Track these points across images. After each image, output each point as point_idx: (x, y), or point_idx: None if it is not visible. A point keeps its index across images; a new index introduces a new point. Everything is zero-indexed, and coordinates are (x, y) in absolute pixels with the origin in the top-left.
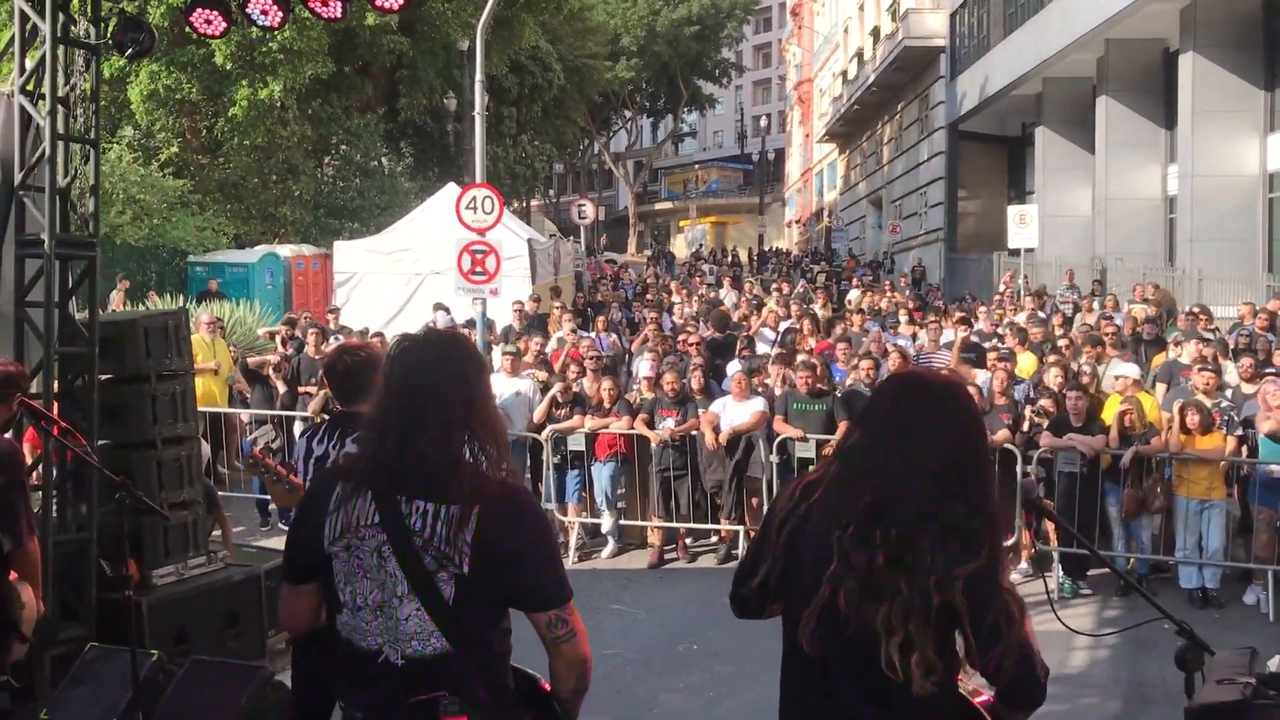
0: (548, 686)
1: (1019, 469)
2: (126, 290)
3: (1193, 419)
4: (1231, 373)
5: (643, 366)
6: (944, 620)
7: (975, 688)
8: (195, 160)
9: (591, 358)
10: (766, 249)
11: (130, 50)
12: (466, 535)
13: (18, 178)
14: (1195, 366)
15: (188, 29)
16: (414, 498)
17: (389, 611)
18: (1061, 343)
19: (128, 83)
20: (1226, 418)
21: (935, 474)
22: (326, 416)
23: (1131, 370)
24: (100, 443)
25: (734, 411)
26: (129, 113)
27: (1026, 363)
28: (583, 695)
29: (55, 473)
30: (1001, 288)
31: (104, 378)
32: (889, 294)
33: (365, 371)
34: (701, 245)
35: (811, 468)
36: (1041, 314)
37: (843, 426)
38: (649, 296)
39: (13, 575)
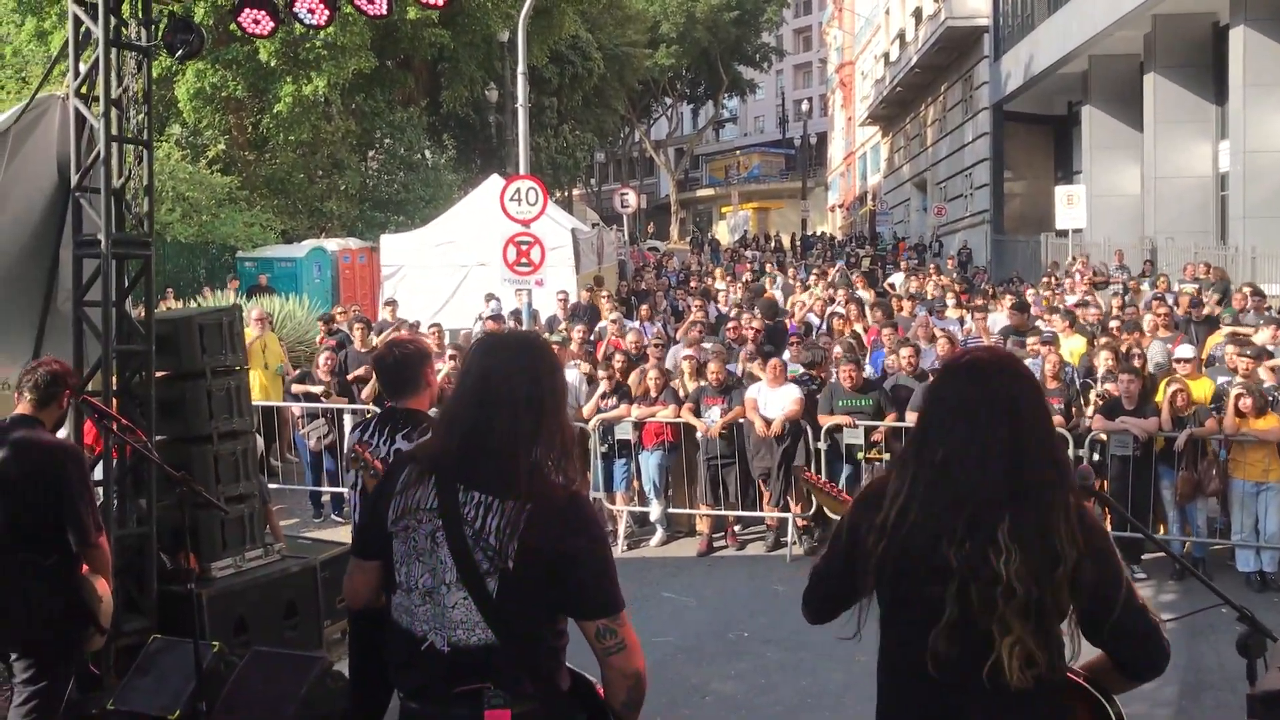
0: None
1: (1070, 454)
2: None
3: (1245, 403)
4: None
5: (682, 353)
6: (1051, 612)
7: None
8: (242, 156)
9: (657, 344)
10: (810, 234)
11: (180, 51)
12: (515, 532)
13: (74, 179)
14: (1232, 351)
15: (234, 28)
16: (472, 488)
17: (437, 598)
18: (1112, 324)
19: (175, 81)
20: (1272, 398)
21: (1006, 462)
22: (377, 410)
23: (1187, 352)
24: (158, 438)
25: (769, 398)
26: (176, 111)
27: (1075, 345)
28: (637, 710)
29: (115, 468)
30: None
31: (161, 374)
32: (934, 277)
33: (414, 365)
34: (746, 231)
35: (861, 454)
36: (1090, 297)
37: (892, 416)
38: (693, 284)
39: (85, 569)
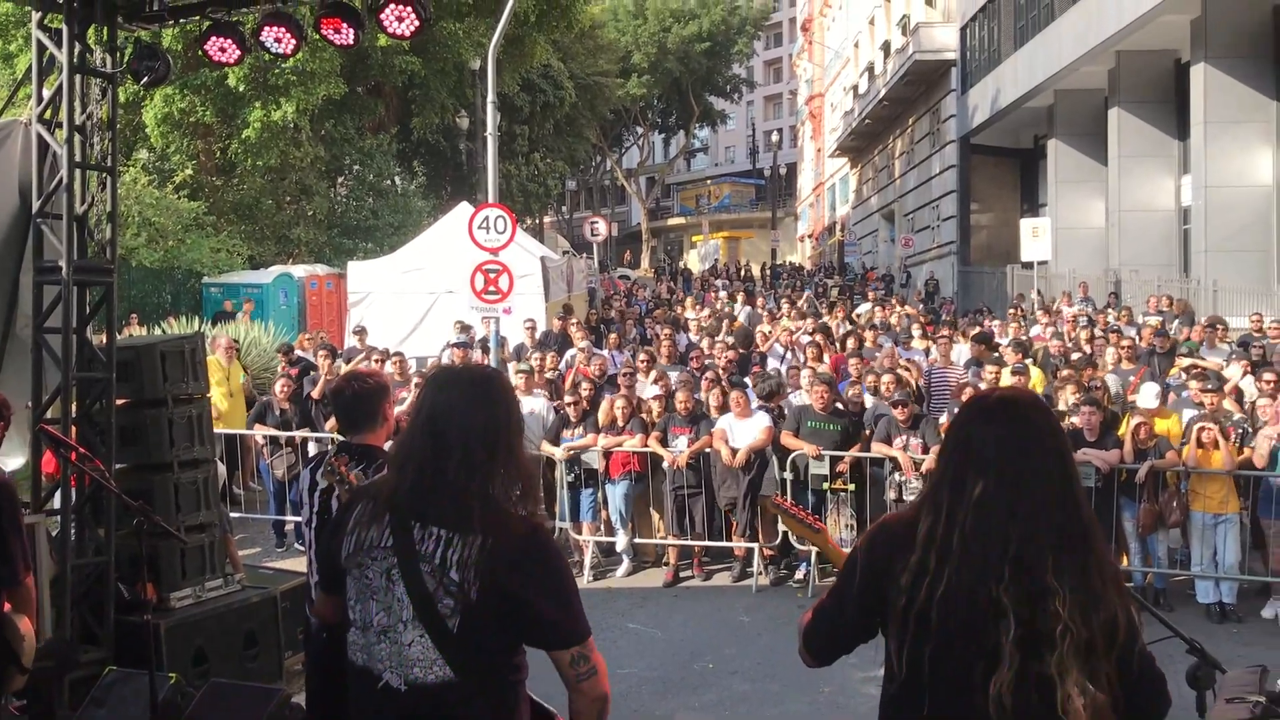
0: None
1: None
2: (137, 321)
3: (1208, 435)
4: (1248, 383)
5: (649, 389)
6: (1094, 652)
7: None
8: (209, 182)
9: (624, 374)
10: (779, 264)
11: (146, 78)
12: (478, 565)
13: (36, 205)
14: (1196, 387)
15: (201, 54)
16: (429, 524)
17: (394, 636)
18: (1075, 356)
19: (142, 106)
20: (1240, 431)
21: (1054, 504)
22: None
23: (1150, 399)
24: (118, 466)
25: (739, 429)
26: (143, 135)
27: (1034, 378)
28: None
29: (74, 497)
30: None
31: (122, 402)
32: (898, 308)
33: (372, 401)
34: (716, 260)
35: (826, 484)
36: (1054, 328)
37: (857, 447)
38: (659, 313)
39: (7, 606)
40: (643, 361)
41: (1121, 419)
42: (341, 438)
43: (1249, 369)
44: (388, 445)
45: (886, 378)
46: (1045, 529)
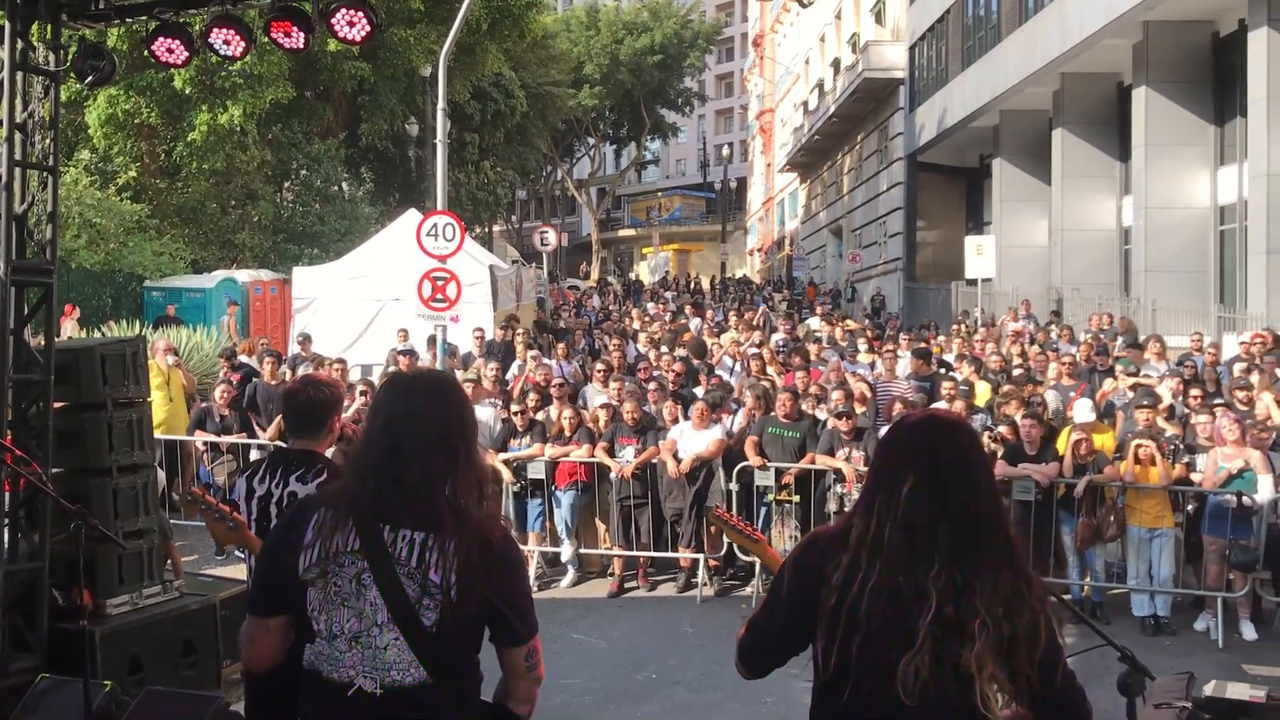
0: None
1: None
2: (78, 319)
3: (1144, 451)
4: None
5: (597, 397)
6: (1015, 652)
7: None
8: (153, 184)
9: (557, 385)
10: (729, 277)
11: (91, 77)
12: (458, 566)
13: None
14: (1133, 405)
15: (148, 55)
16: (401, 526)
17: (367, 641)
18: (1017, 372)
19: (85, 106)
20: (1173, 447)
21: (979, 513)
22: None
23: (1085, 413)
24: (55, 470)
25: (692, 439)
26: (86, 136)
27: (981, 391)
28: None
29: (8, 501)
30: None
31: (60, 405)
32: (841, 322)
33: (327, 410)
34: (667, 273)
35: (772, 495)
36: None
37: (809, 456)
38: (608, 324)
39: None
40: (600, 372)
41: (1059, 433)
42: (280, 444)
43: (1182, 387)
44: (328, 452)
45: (836, 393)
46: (970, 533)
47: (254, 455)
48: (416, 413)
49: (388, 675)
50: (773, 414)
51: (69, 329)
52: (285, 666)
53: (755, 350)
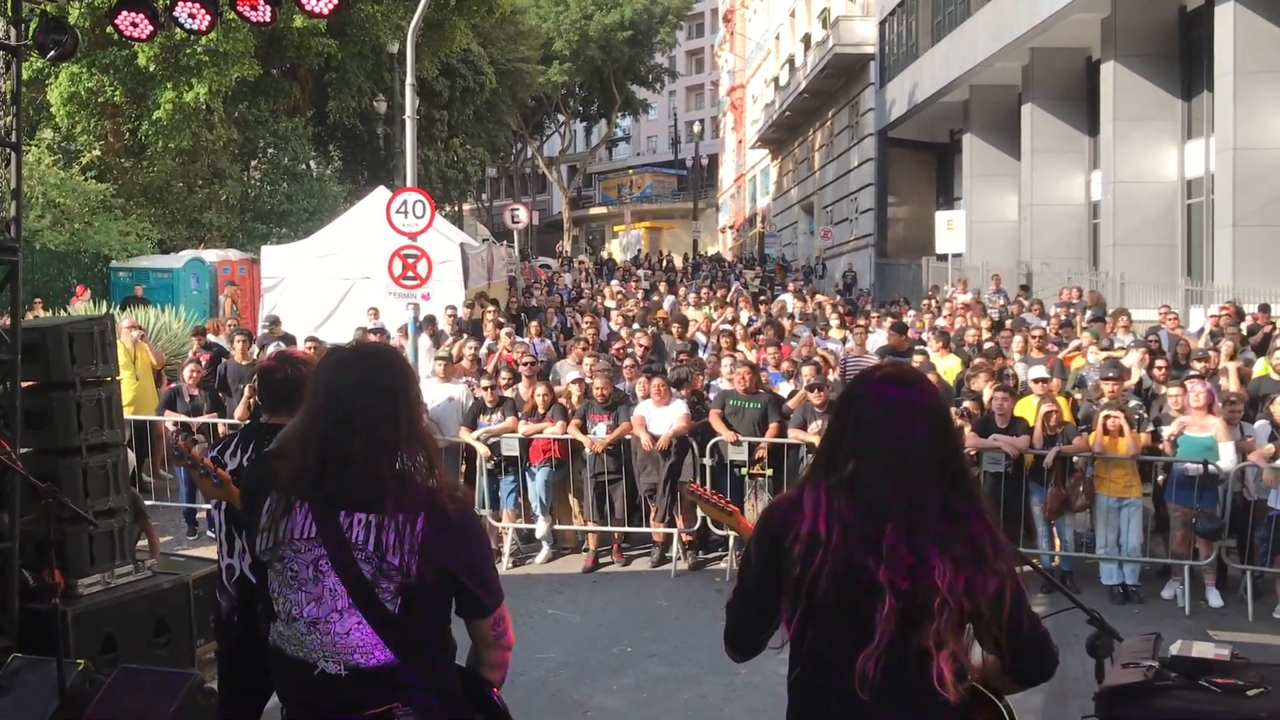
0: (496, 693)
1: None
2: (42, 306)
3: (1113, 422)
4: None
5: (569, 374)
6: (979, 620)
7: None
8: (118, 164)
9: (526, 363)
10: (701, 254)
11: (53, 52)
12: (414, 545)
13: None
14: (1099, 377)
15: (111, 31)
16: (354, 510)
17: (327, 626)
18: (987, 346)
19: (47, 84)
20: (1137, 416)
21: (936, 474)
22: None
23: (1040, 372)
24: (24, 450)
25: (655, 416)
26: (48, 115)
27: (950, 365)
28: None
29: None
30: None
31: (28, 384)
32: (812, 298)
33: (303, 387)
34: (639, 251)
35: (745, 469)
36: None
37: (773, 428)
38: (582, 301)
39: None
40: (579, 348)
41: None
42: (246, 422)
43: (1148, 359)
44: None
45: (806, 368)
46: (928, 499)
47: (223, 433)
48: (358, 384)
49: (350, 658)
50: (731, 388)
51: (80, 310)
52: (256, 645)
53: (727, 327)
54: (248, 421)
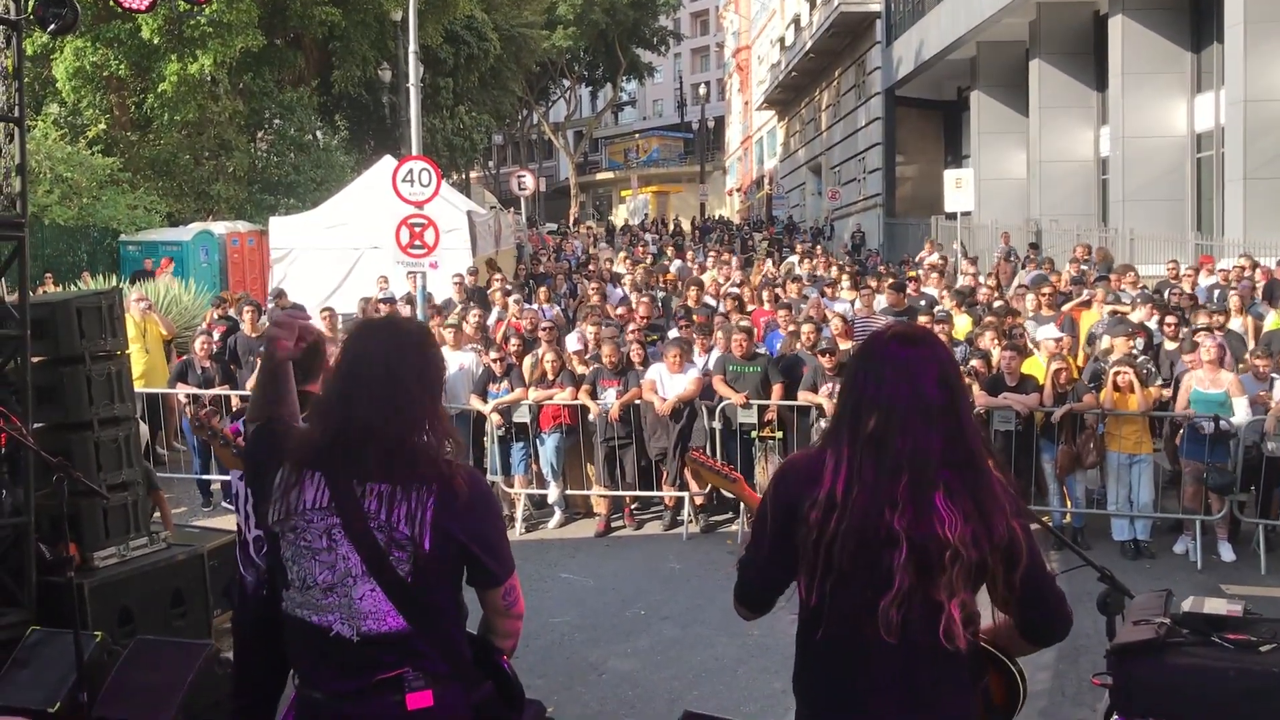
0: (505, 661)
1: None
2: (53, 281)
3: (1123, 379)
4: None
5: (571, 341)
6: (980, 574)
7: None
8: (124, 137)
9: (545, 327)
10: (708, 218)
11: (53, 25)
12: (426, 516)
13: None
14: (1109, 332)
15: (113, 3)
16: (368, 480)
17: (342, 591)
18: (997, 304)
19: (52, 59)
20: (1145, 371)
21: (942, 429)
22: None
23: (1052, 333)
24: (36, 425)
25: (669, 381)
26: (54, 90)
27: (962, 324)
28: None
29: None
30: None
31: (37, 360)
32: (819, 258)
33: (312, 356)
34: (645, 215)
35: (755, 433)
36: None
37: (779, 389)
38: (591, 268)
39: None
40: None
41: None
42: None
43: (1153, 313)
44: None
45: (806, 327)
46: (935, 453)
47: (235, 406)
48: (383, 358)
49: (363, 624)
50: (728, 353)
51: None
52: (271, 614)
53: (734, 290)
54: None
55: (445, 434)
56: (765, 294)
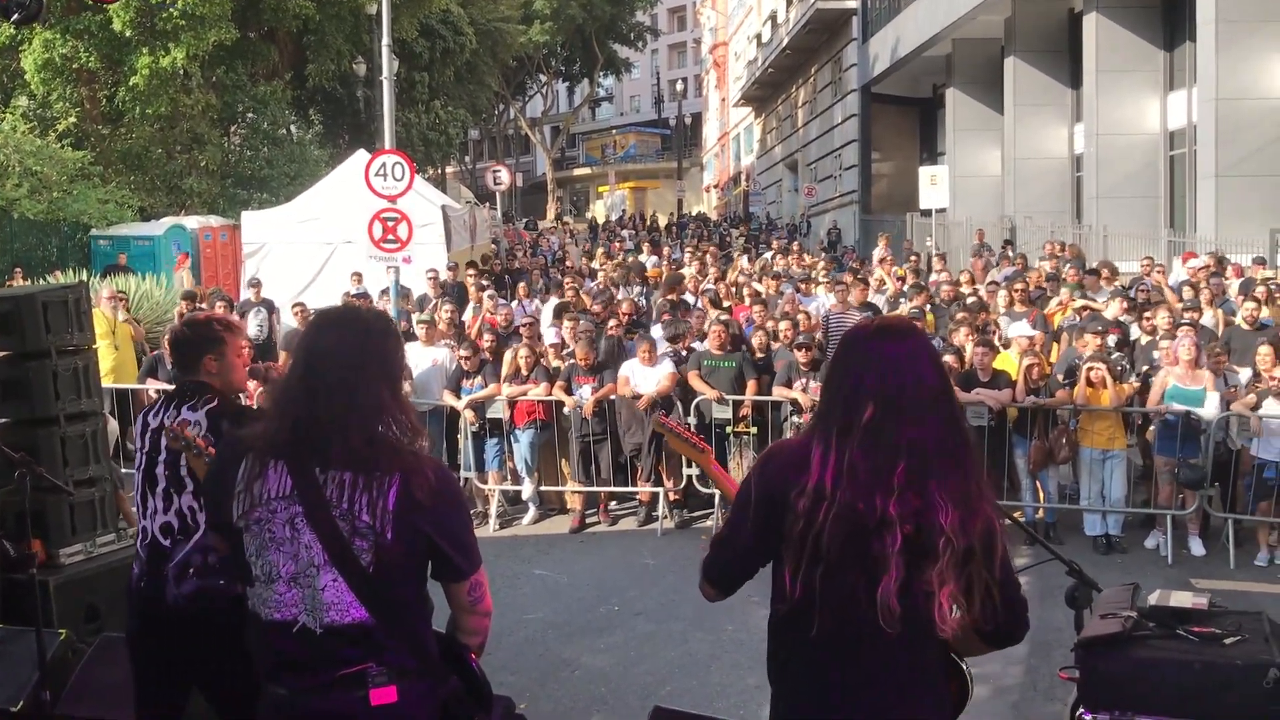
0: (473, 658)
1: None
2: (22, 275)
3: (1096, 374)
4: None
5: (549, 335)
6: (972, 560)
7: None
8: (95, 131)
9: (526, 323)
10: (685, 214)
11: (16, 15)
12: (388, 504)
13: None
14: (1080, 329)
15: None
16: (330, 468)
17: (305, 582)
18: (970, 300)
19: (20, 51)
20: (1119, 367)
21: (933, 418)
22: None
23: (1025, 330)
24: (1, 421)
25: (642, 375)
26: (23, 82)
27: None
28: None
29: None
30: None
31: (2, 354)
32: (799, 256)
33: (197, 349)
34: (623, 211)
35: (730, 428)
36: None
37: (753, 385)
38: (569, 264)
39: None
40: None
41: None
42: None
43: (1126, 309)
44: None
45: (784, 324)
46: (928, 442)
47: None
48: (341, 348)
49: (326, 615)
50: (705, 348)
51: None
52: (160, 613)
53: (709, 287)
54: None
55: (409, 425)
56: (746, 291)
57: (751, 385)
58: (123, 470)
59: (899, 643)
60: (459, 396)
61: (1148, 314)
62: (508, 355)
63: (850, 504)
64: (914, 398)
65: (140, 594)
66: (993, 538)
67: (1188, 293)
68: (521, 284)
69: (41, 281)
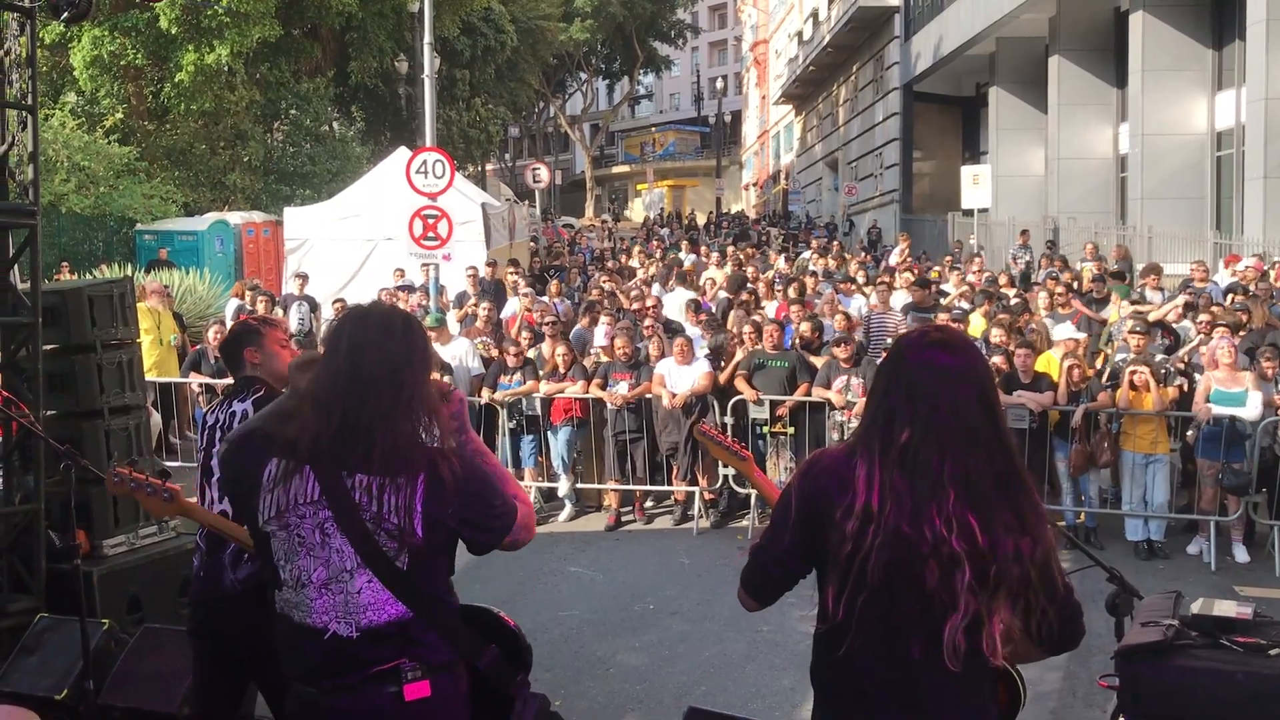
0: (507, 619)
1: None
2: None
3: (1139, 377)
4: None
5: (599, 334)
6: (1029, 587)
7: None
8: (141, 127)
9: (549, 322)
10: (724, 212)
11: (66, 14)
12: (415, 504)
13: None
14: (1126, 329)
15: None
16: (356, 472)
17: (338, 587)
18: (1014, 302)
19: (69, 48)
20: (1163, 371)
21: (982, 442)
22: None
23: (1070, 332)
24: (47, 413)
25: (678, 375)
26: (71, 79)
27: (977, 322)
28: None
29: (1, 444)
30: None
31: (49, 348)
32: (838, 256)
33: (237, 344)
34: (661, 209)
35: (766, 428)
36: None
37: (804, 387)
38: (609, 264)
39: None
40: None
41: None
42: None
43: (1181, 314)
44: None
45: (805, 325)
46: (978, 468)
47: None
48: (367, 347)
49: (362, 617)
50: (760, 346)
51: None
52: (222, 600)
53: (751, 286)
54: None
55: (435, 420)
56: (792, 289)
57: (803, 387)
58: (165, 463)
59: (944, 671)
60: (495, 392)
61: (1203, 317)
62: (545, 352)
63: (895, 527)
64: (955, 428)
65: (201, 581)
66: (1049, 561)
67: (1238, 297)
68: (555, 282)
69: (88, 276)
